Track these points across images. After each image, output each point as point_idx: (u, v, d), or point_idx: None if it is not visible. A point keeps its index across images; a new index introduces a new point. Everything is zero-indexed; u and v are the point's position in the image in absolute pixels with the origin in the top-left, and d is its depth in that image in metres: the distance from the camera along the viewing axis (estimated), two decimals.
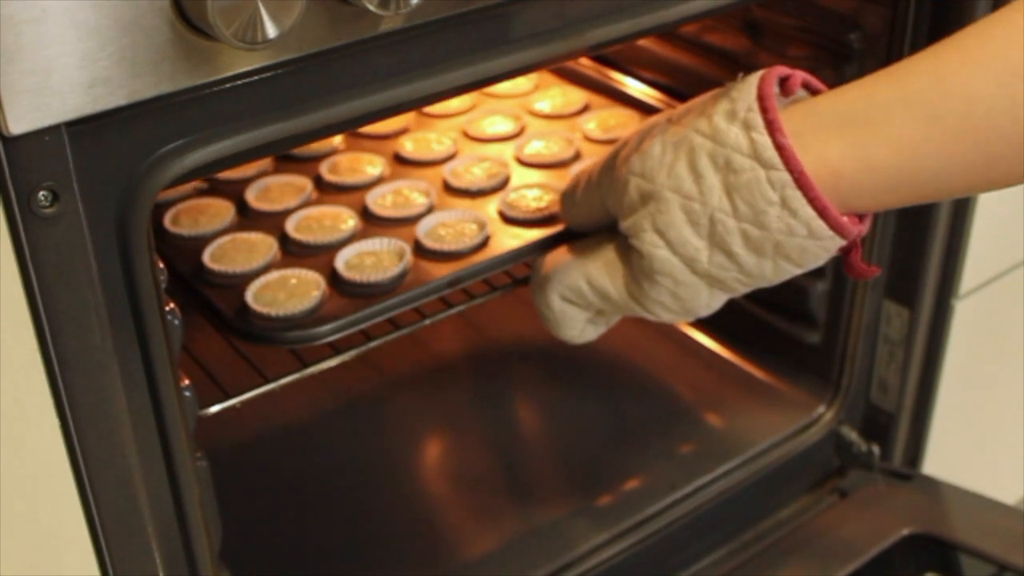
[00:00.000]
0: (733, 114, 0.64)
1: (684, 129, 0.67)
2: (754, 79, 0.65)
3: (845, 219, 0.63)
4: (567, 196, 0.80)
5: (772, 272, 0.66)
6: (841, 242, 0.64)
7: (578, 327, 0.78)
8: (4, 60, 0.48)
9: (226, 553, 0.75)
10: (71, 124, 0.52)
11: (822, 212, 0.62)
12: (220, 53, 0.55)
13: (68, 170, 0.53)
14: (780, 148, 0.62)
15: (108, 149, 0.55)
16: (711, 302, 0.70)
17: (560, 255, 0.79)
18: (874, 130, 0.61)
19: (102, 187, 0.56)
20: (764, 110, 0.63)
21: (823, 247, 0.64)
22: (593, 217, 0.76)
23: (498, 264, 0.83)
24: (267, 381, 0.81)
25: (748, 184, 0.63)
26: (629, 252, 0.71)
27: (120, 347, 0.59)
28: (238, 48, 0.53)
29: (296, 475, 1.07)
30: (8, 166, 0.51)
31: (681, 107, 0.70)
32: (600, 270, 0.74)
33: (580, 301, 0.76)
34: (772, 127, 0.62)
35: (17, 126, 0.50)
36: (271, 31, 0.53)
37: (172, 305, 0.68)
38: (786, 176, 0.62)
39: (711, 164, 0.64)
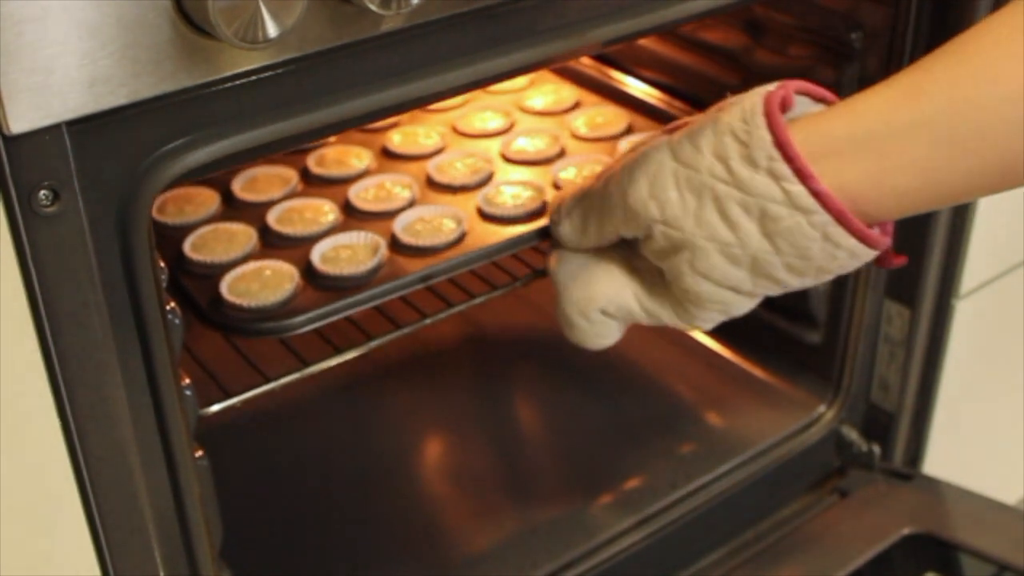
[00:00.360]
0: (753, 162, 0.64)
1: (697, 174, 0.66)
2: (760, 119, 0.64)
3: (878, 233, 0.65)
4: (568, 222, 0.77)
5: (812, 282, 0.68)
6: (877, 252, 0.66)
7: (608, 335, 0.78)
8: (5, 59, 0.48)
9: (226, 552, 0.75)
10: (72, 123, 0.52)
11: (863, 239, 0.64)
12: (221, 52, 0.55)
13: (69, 169, 0.53)
14: (817, 195, 0.62)
15: (109, 148, 0.55)
16: (752, 305, 0.72)
17: (583, 268, 0.76)
18: (891, 158, 0.62)
19: (103, 186, 0.56)
20: (788, 159, 0.62)
21: (860, 260, 0.66)
22: (603, 244, 0.75)
23: (473, 260, 0.83)
24: (267, 380, 0.81)
25: (790, 230, 0.64)
26: (671, 284, 0.71)
27: (121, 346, 0.59)
28: (239, 47, 0.53)
29: (296, 474, 1.07)
30: (9, 165, 0.51)
31: (678, 133, 0.68)
32: (650, 296, 0.74)
33: (626, 318, 0.76)
34: (802, 175, 0.62)
35: (18, 125, 0.50)
36: (272, 30, 0.53)
37: (173, 304, 0.68)
38: (827, 218, 0.63)
39: (744, 213, 0.64)
